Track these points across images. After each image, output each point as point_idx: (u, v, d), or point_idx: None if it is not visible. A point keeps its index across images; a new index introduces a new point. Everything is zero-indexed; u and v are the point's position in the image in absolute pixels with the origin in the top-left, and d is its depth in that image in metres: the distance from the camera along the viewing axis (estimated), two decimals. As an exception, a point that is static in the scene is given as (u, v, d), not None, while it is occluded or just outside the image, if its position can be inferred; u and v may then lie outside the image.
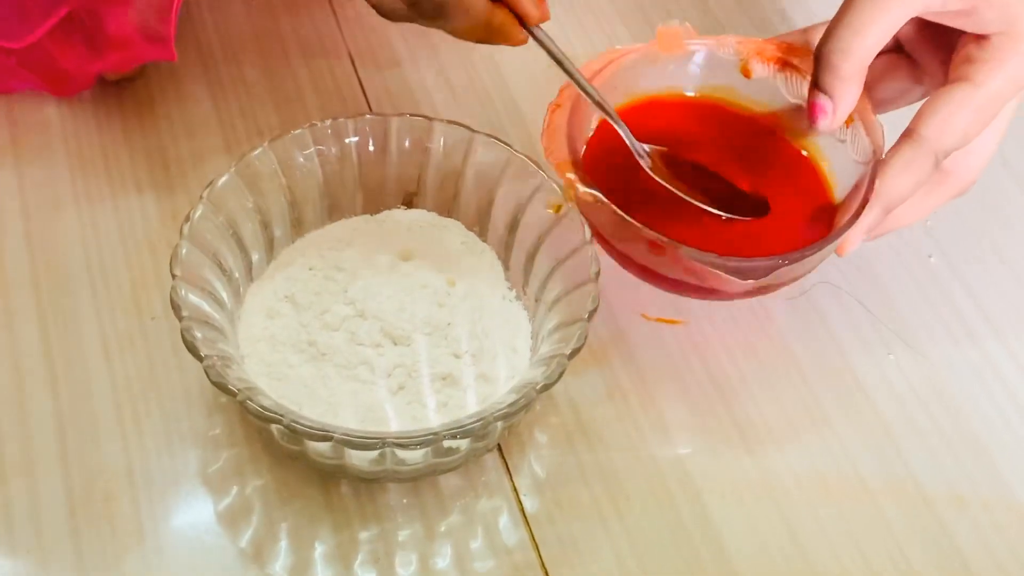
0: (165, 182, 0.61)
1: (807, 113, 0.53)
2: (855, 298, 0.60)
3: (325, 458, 0.50)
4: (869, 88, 0.54)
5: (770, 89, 0.58)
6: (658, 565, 0.52)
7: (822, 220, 0.56)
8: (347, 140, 0.55)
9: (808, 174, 0.57)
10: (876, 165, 0.53)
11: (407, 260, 0.55)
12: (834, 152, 0.57)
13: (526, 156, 0.55)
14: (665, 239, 0.51)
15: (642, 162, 0.54)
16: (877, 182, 0.52)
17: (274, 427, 0.48)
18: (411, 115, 0.55)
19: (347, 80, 0.66)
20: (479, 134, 0.55)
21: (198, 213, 0.51)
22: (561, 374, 0.48)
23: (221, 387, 0.47)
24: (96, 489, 0.52)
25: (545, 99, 0.63)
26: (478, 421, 0.47)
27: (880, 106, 0.56)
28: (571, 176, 0.52)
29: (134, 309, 0.57)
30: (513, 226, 0.55)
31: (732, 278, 0.51)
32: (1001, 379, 0.58)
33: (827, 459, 0.55)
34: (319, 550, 0.51)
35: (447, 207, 0.57)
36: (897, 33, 0.52)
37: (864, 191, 0.52)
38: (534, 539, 0.52)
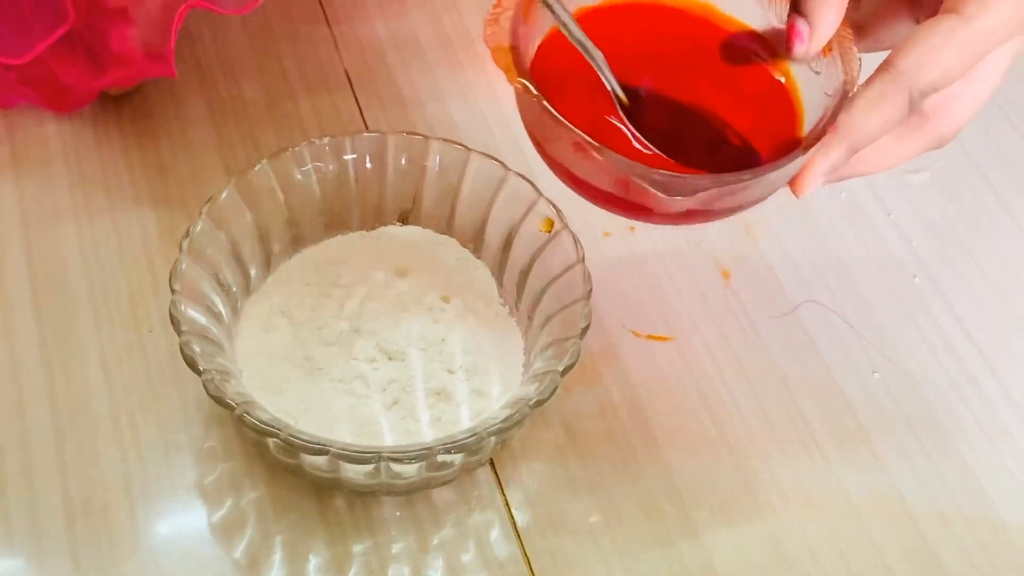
0: (163, 197, 0.62)
1: (785, 37, 0.49)
2: (841, 317, 0.61)
3: (321, 471, 0.50)
4: (863, 25, 0.51)
5: (751, 8, 0.53)
6: (647, 579, 0.53)
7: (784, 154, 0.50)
8: (345, 157, 0.56)
9: (780, 103, 0.52)
10: (843, 99, 0.48)
11: (403, 276, 0.56)
12: (808, 85, 0.51)
13: (521, 175, 0.56)
14: (590, 141, 0.46)
15: (619, 108, 0.50)
16: (843, 116, 0.47)
17: (271, 441, 0.49)
18: (408, 133, 0.56)
19: (344, 98, 0.67)
20: (475, 152, 0.56)
21: (198, 228, 0.52)
22: (555, 390, 0.49)
23: (219, 401, 0.48)
24: (94, 499, 0.52)
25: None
26: (472, 436, 0.48)
27: (873, 44, 0.52)
28: (508, 59, 0.48)
29: (132, 322, 0.57)
30: (507, 244, 0.56)
31: (658, 194, 0.47)
32: (985, 399, 0.59)
33: (813, 475, 0.56)
34: (313, 562, 0.52)
35: (442, 224, 0.58)
36: None
37: (824, 125, 0.47)
38: (525, 553, 0.53)
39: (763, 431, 0.57)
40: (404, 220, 0.58)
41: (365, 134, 0.56)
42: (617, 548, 0.53)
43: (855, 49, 0.50)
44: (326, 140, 0.55)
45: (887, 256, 0.64)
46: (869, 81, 0.47)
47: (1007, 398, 0.59)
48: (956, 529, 0.55)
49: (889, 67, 0.46)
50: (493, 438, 0.48)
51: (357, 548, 0.52)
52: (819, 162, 0.47)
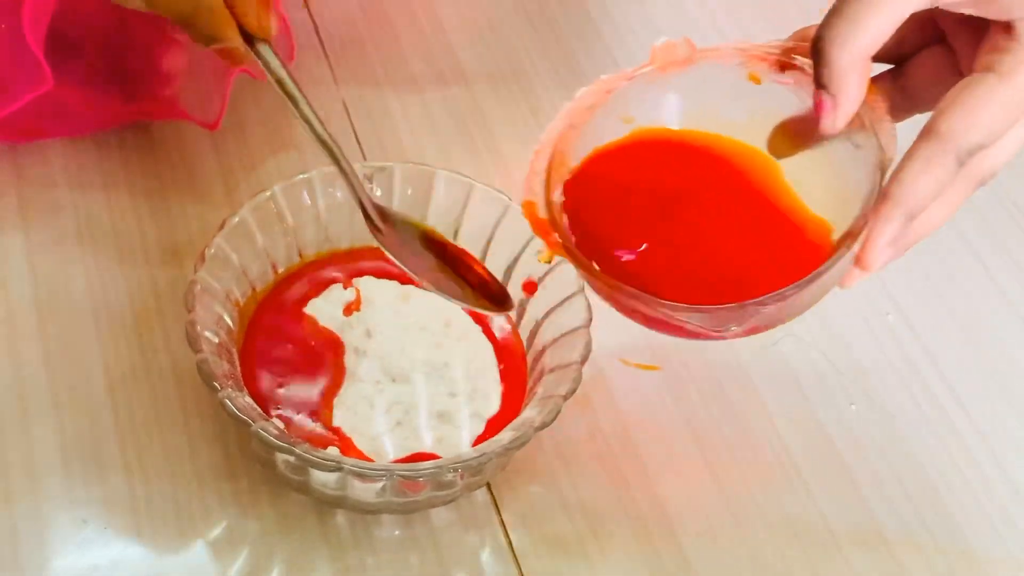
0: (166, 219, 0.63)
1: (814, 114, 0.48)
2: (819, 351, 0.64)
3: (328, 489, 0.52)
4: (911, 88, 0.51)
5: (781, 97, 0.51)
6: (637, 599, 0.54)
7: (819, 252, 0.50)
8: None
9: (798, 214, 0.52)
10: (883, 173, 0.48)
11: (406, 300, 0.57)
12: (852, 161, 0.50)
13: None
14: (639, 293, 0.48)
15: (376, 236, 0.52)
16: (893, 186, 0.47)
17: (281, 457, 0.50)
18: (415, 164, 0.58)
19: (341, 128, 0.69)
20: (478, 184, 0.58)
21: (212, 250, 0.53)
22: (557, 414, 0.51)
23: (234, 417, 0.49)
24: (99, 515, 0.53)
25: (528, 147, 0.66)
26: (480, 455, 0.49)
27: (920, 106, 0.52)
28: (545, 224, 0.50)
29: (136, 342, 0.58)
30: (507, 273, 0.58)
31: (707, 330, 0.50)
32: (955, 432, 0.62)
33: (794, 502, 0.58)
34: (313, 579, 0.53)
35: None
36: (939, 24, 0.50)
37: (869, 207, 0.48)
38: (521, 572, 0.54)
39: (747, 459, 0.59)
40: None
41: (373, 163, 0.58)
42: (609, 568, 0.55)
43: (888, 119, 0.49)
44: (336, 168, 0.57)
45: (861, 293, 0.66)
46: (914, 147, 0.47)
47: (976, 432, 0.62)
48: (928, 557, 0.57)
49: (932, 131, 0.47)
50: (498, 459, 0.50)
51: (357, 566, 0.53)
52: (880, 235, 0.47)
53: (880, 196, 0.47)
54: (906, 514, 0.59)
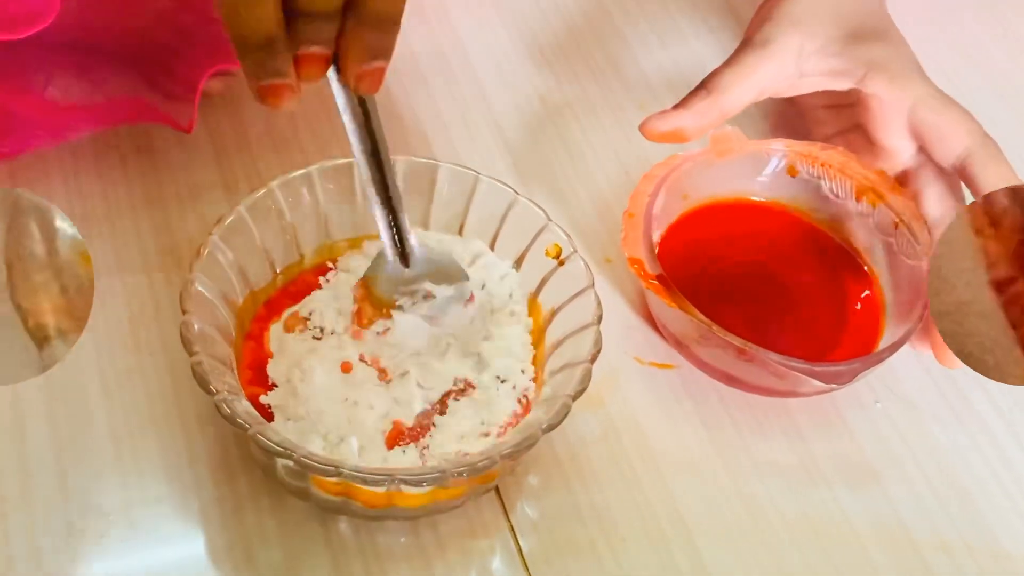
0: (163, 219, 0.61)
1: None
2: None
3: (330, 494, 0.50)
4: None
5: (815, 193, 0.62)
6: (653, 605, 0.52)
7: (871, 314, 0.60)
8: (353, 180, 0.56)
9: (859, 274, 0.62)
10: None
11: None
12: (878, 251, 0.61)
13: (530, 201, 0.56)
14: (754, 346, 0.53)
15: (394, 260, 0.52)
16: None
17: (280, 462, 0.48)
18: (416, 158, 0.56)
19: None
20: (483, 177, 0.56)
21: (208, 249, 0.51)
22: (565, 415, 0.49)
23: (231, 420, 0.47)
24: (95, 523, 0.52)
25: (536, 137, 0.65)
26: (485, 459, 0.47)
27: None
28: (655, 283, 0.55)
29: (133, 346, 0.57)
30: (516, 265, 0.56)
31: (817, 382, 0.54)
32: (985, 429, 0.60)
33: (815, 501, 0.56)
34: (316, 587, 0.51)
35: (451, 249, 0.58)
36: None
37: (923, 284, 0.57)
38: (532, 578, 0.53)
39: (764, 456, 0.58)
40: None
41: (374, 157, 0.56)
42: (622, 572, 0.53)
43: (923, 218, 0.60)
44: (334, 163, 0.55)
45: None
46: (927, 192, 0.60)
47: (1008, 429, 0.60)
48: (957, 557, 0.55)
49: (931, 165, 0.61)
50: (505, 462, 0.48)
51: (362, 573, 0.52)
52: None
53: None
54: (934, 512, 0.57)
